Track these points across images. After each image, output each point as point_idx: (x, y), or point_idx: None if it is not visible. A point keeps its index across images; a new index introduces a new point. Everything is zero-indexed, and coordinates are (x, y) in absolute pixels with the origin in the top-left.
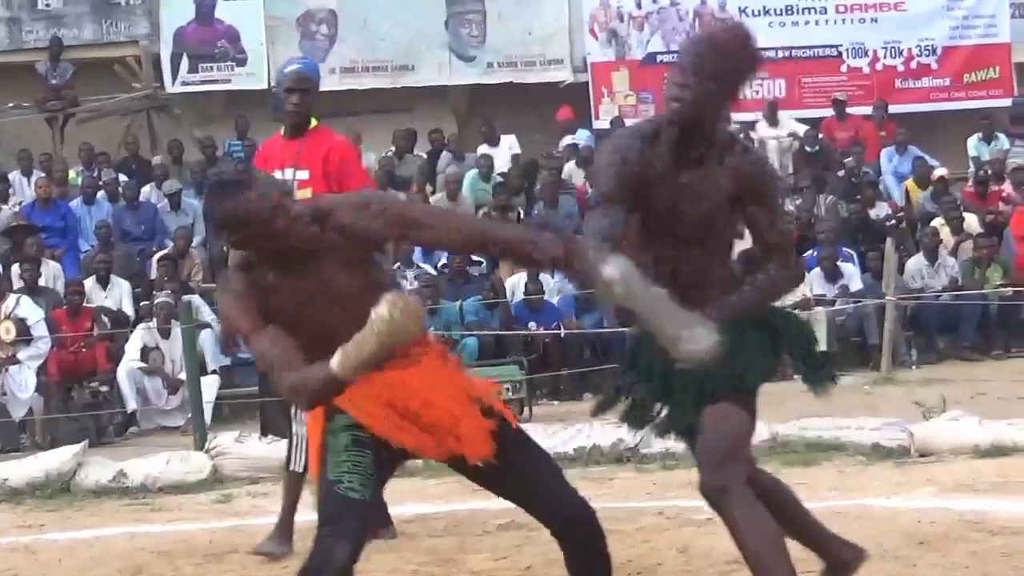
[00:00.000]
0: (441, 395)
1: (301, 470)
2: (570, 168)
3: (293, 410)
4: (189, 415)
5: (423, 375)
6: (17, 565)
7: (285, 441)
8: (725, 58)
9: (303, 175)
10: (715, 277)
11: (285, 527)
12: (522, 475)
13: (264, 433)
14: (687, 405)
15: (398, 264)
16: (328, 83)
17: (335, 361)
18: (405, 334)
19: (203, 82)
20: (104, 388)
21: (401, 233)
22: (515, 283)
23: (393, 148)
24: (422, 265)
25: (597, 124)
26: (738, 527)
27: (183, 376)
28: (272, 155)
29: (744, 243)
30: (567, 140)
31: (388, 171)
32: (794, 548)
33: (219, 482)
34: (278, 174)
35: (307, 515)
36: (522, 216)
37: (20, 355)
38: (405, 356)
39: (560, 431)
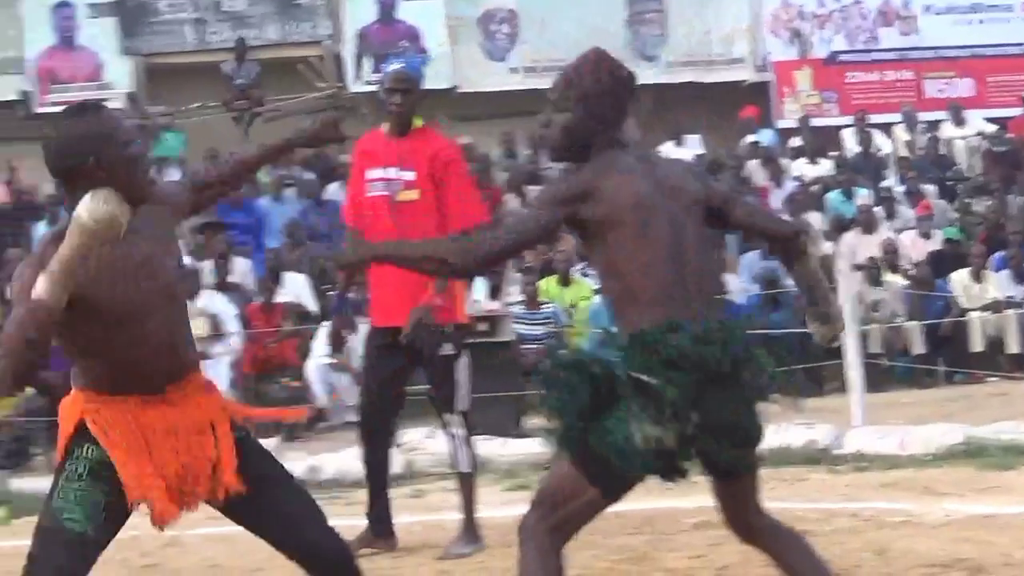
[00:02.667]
0: (194, 439)
1: (468, 469)
2: (752, 167)
3: (449, 414)
4: None
5: (182, 415)
6: (215, 555)
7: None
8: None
9: (408, 175)
10: None
11: (470, 526)
12: (277, 513)
13: None
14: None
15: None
16: (509, 82)
17: (39, 284)
18: (104, 230)
19: None
20: (295, 383)
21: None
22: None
23: None
24: None
25: (780, 123)
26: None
27: None
28: (374, 152)
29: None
30: (749, 139)
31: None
32: None
33: (411, 477)
34: (380, 172)
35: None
36: None
37: (213, 350)
38: (169, 393)
39: None
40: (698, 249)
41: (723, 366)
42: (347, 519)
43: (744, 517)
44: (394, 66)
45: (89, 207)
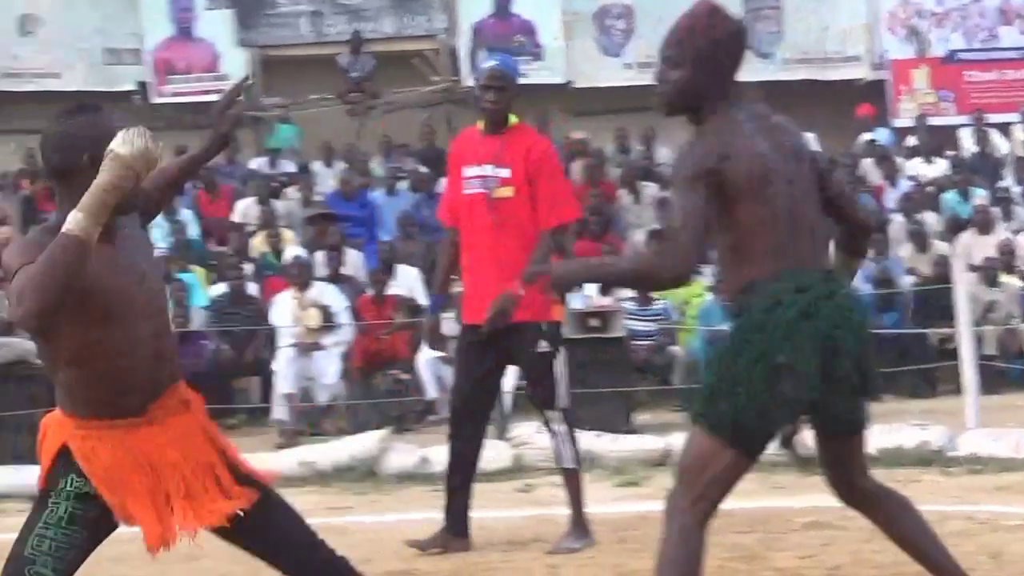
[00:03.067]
0: (189, 458)
1: (573, 465)
2: (866, 165)
3: (550, 411)
4: None
5: (174, 434)
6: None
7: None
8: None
9: (504, 173)
10: None
11: (579, 521)
12: (266, 528)
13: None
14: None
15: None
16: (623, 77)
17: (71, 218)
18: (144, 155)
19: None
20: (405, 376)
21: None
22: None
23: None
24: None
25: (896, 122)
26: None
27: None
28: (469, 150)
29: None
30: (865, 137)
31: None
32: None
33: (520, 471)
34: (476, 170)
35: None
36: None
37: (324, 341)
38: (151, 412)
39: None
40: (813, 209)
41: (854, 317)
42: None
43: (850, 478)
44: (489, 63)
45: (125, 140)
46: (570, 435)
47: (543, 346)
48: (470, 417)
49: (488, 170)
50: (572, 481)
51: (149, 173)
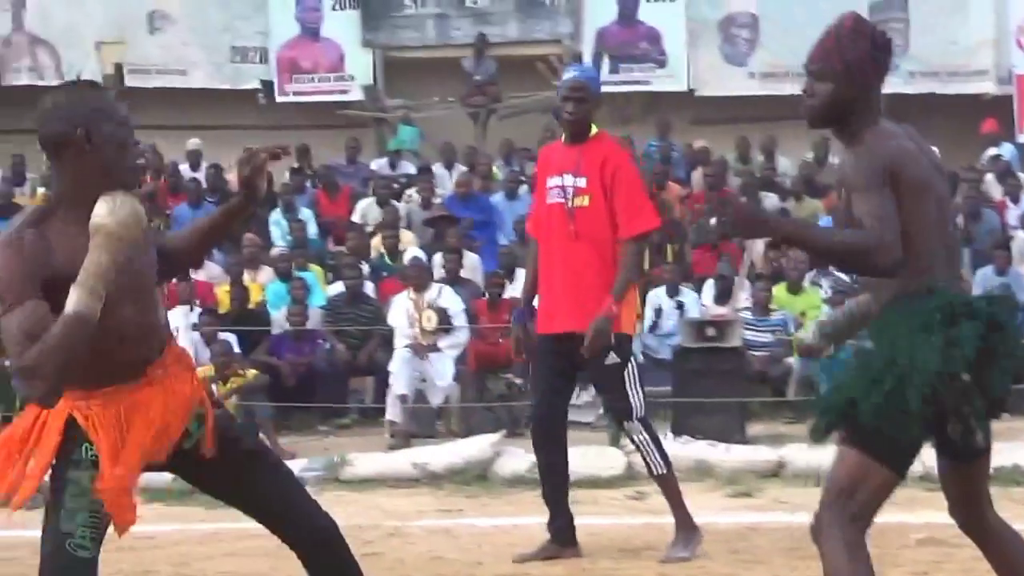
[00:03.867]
0: (177, 417)
1: (663, 471)
2: (989, 181)
3: (629, 423)
4: (600, 411)
5: (163, 396)
6: (438, 547)
7: (689, 441)
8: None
9: (581, 182)
10: None
11: (684, 524)
12: (263, 488)
13: (676, 432)
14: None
15: (814, 271)
16: (746, 87)
17: (73, 298)
18: (134, 227)
19: (623, 82)
20: (518, 380)
21: None
22: None
23: (811, 155)
24: (837, 273)
25: (1021, 138)
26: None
27: None
28: (552, 161)
29: None
30: (990, 153)
31: (807, 178)
32: None
33: (633, 479)
34: (556, 180)
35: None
36: None
37: (440, 343)
38: (149, 374)
39: None
40: (953, 225)
41: (1008, 328)
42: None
43: (978, 506)
44: (570, 74)
45: (109, 210)
46: (654, 442)
47: (612, 358)
48: (552, 424)
49: (567, 180)
50: (667, 486)
51: (143, 236)
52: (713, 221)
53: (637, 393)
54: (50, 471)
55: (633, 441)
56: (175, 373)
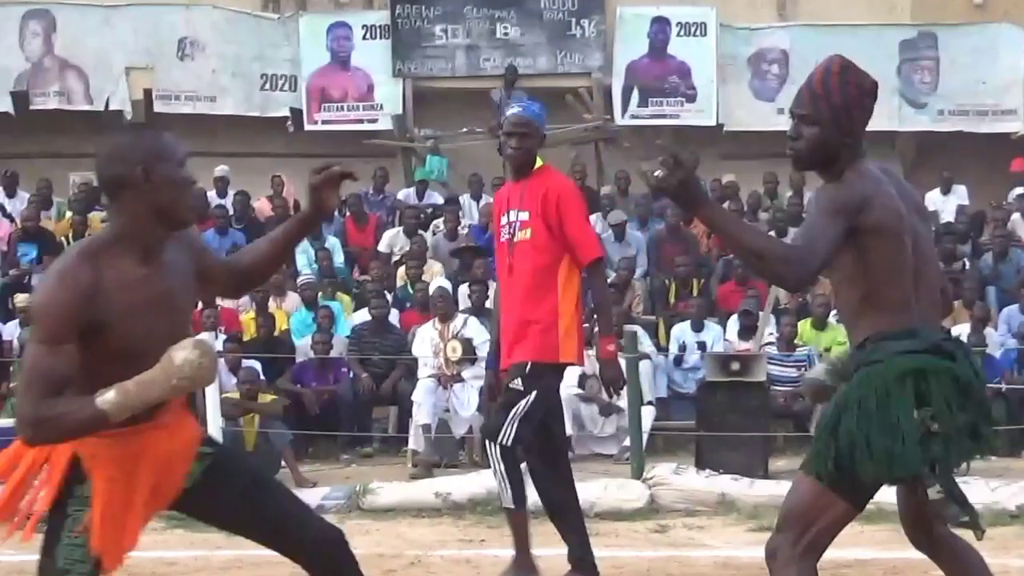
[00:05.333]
0: (181, 461)
1: (510, 505)
2: (1016, 220)
3: (492, 443)
4: (623, 443)
5: (169, 440)
6: None
7: (713, 475)
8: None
9: (524, 215)
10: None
11: (521, 561)
12: (265, 517)
13: (700, 466)
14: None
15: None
16: (775, 122)
17: (110, 399)
18: (205, 383)
19: (652, 116)
20: None
21: None
22: (957, 334)
23: None
24: None
25: None
26: None
27: (618, 404)
28: (502, 198)
29: None
30: (1017, 191)
31: None
32: None
33: (655, 511)
34: (504, 218)
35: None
36: (967, 266)
37: (465, 374)
38: (157, 417)
39: (1001, 487)
40: (934, 266)
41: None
42: (593, 549)
43: (928, 527)
44: (513, 110)
45: (191, 364)
46: (509, 474)
47: (517, 384)
48: (543, 455)
49: (513, 216)
50: (512, 522)
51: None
52: (657, 172)
53: (516, 424)
54: (51, 503)
55: (492, 467)
56: (179, 416)
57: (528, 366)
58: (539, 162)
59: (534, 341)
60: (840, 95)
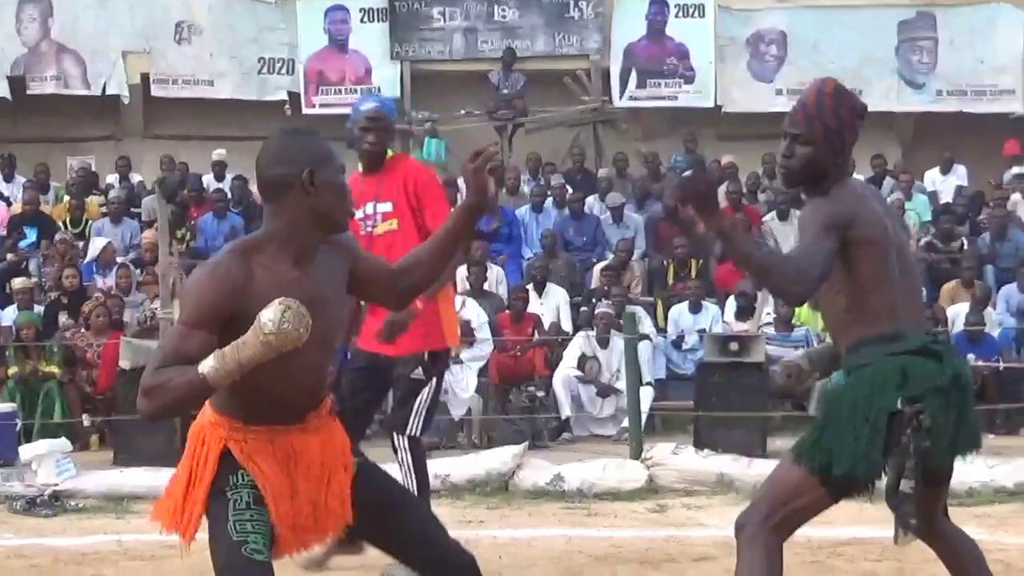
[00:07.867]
0: (338, 468)
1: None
2: (1015, 200)
3: (400, 436)
4: (622, 424)
5: (322, 444)
6: None
7: (711, 455)
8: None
9: (386, 207)
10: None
11: None
12: (404, 533)
13: (698, 446)
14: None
15: None
16: (774, 103)
17: (209, 362)
18: (292, 342)
19: (650, 98)
20: (540, 393)
21: None
22: (956, 313)
23: None
24: None
25: None
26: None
27: (617, 385)
28: (355, 194)
29: None
30: (1014, 171)
31: None
32: None
33: (654, 492)
34: (361, 212)
35: None
36: (965, 246)
37: (463, 355)
38: (307, 421)
39: (1000, 465)
40: (916, 274)
41: (965, 377)
42: (589, 529)
43: (932, 520)
44: (369, 104)
45: (276, 321)
46: (415, 464)
47: (418, 373)
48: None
49: (370, 209)
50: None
51: (300, 343)
52: (687, 173)
53: (421, 414)
54: (208, 494)
55: (396, 456)
56: (328, 424)
57: (426, 355)
58: (389, 152)
59: (422, 329)
60: (834, 117)
